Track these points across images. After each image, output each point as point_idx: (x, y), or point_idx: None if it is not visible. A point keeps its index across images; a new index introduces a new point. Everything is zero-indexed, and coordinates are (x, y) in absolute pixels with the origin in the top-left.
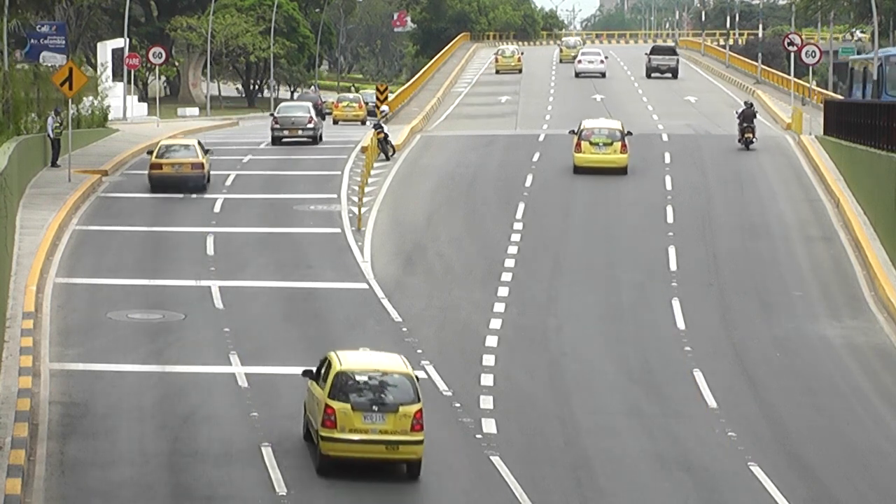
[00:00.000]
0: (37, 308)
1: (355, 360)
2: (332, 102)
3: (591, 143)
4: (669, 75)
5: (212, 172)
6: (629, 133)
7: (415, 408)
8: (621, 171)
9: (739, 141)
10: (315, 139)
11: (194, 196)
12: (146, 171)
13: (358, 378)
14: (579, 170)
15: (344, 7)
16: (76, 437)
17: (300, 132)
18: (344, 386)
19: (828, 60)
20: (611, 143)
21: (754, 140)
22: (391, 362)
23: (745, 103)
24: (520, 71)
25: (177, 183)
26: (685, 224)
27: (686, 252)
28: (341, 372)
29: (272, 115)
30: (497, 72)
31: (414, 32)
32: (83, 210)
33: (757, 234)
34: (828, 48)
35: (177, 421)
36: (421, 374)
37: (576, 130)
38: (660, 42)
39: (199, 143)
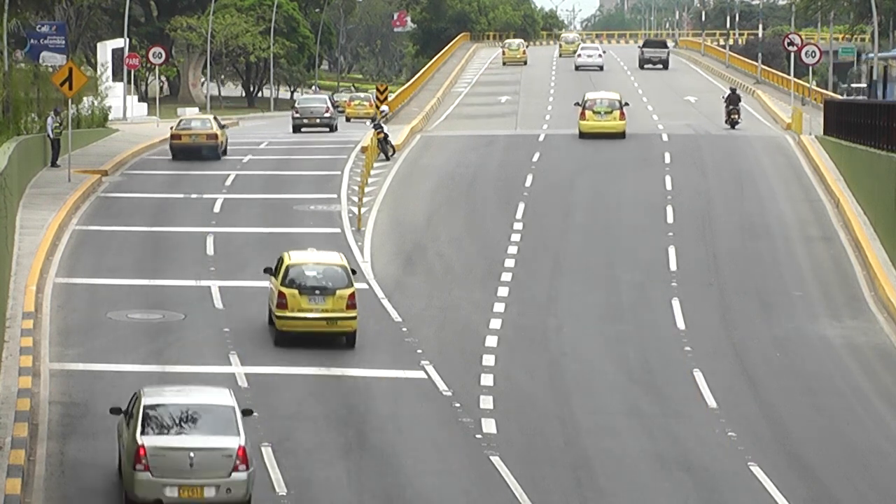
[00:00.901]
0: (37, 308)
1: (302, 257)
2: (346, 101)
3: (594, 112)
4: (661, 66)
5: (208, 172)
6: (626, 104)
7: (349, 291)
8: (620, 135)
9: (726, 122)
10: (331, 127)
11: (194, 196)
12: (168, 143)
13: (304, 269)
14: (584, 135)
15: (344, 7)
16: (76, 437)
17: (318, 121)
18: (293, 276)
19: (828, 60)
20: (611, 112)
21: (739, 121)
22: (330, 257)
23: (730, 88)
24: (525, 63)
25: (193, 150)
26: (685, 224)
27: (686, 252)
28: (290, 265)
29: (293, 106)
30: (504, 63)
31: (414, 32)
32: (83, 210)
33: (757, 234)
34: (828, 48)
35: None
36: (421, 375)
37: (580, 102)
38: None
39: (215, 118)
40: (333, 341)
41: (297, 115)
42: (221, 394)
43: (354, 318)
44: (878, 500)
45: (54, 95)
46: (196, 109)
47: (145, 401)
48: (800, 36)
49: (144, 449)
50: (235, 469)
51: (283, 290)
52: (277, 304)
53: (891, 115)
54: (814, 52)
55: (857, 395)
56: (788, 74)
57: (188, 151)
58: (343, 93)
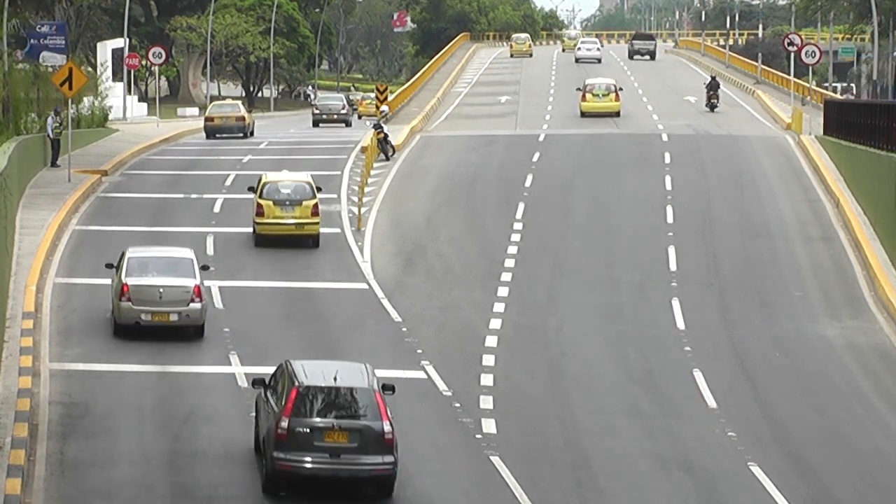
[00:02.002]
0: (37, 308)
1: (276, 176)
2: (358, 100)
3: (592, 95)
4: (648, 57)
5: (208, 172)
6: (621, 88)
7: (313, 202)
8: (615, 114)
9: (706, 105)
10: (347, 123)
11: (194, 196)
12: (202, 124)
13: (277, 185)
14: (585, 115)
15: (344, 7)
16: (76, 437)
17: (335, 117)
18: (268, 190)
19: (828, 60)
20: (608, 94)
21: (717, 105)
22: (299, 176)
23: (711, 76)
24: (531, 55)
25: (225, 129)
26: (685, 224)
27: (686, 252)
28: (266, 182)
29: (313, 103)
30: (511, 55)
31: (414, 32)
32: (83, 210)
33: (757, 234)
34: (828, 48)
35: (177, 421)
36: (421, 375)
37: (581, 87)
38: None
39: (243, 102)
40: (301, 243)
41: (317, 112)
42: (184, 251)
43: (318, 223)
44: (878, 500)
45: (54, 95)
46: (196, 110)
47: (129, 254)
48: (800, 36)
49: (127, 286)
50: (192, 301)
51: (261, 201)
52: (256, 213)
53: (891, 115)
54: (814, 52)
55: (857, 395)
56: (788, 74)
57: (220, 130)
58: (356, 93)
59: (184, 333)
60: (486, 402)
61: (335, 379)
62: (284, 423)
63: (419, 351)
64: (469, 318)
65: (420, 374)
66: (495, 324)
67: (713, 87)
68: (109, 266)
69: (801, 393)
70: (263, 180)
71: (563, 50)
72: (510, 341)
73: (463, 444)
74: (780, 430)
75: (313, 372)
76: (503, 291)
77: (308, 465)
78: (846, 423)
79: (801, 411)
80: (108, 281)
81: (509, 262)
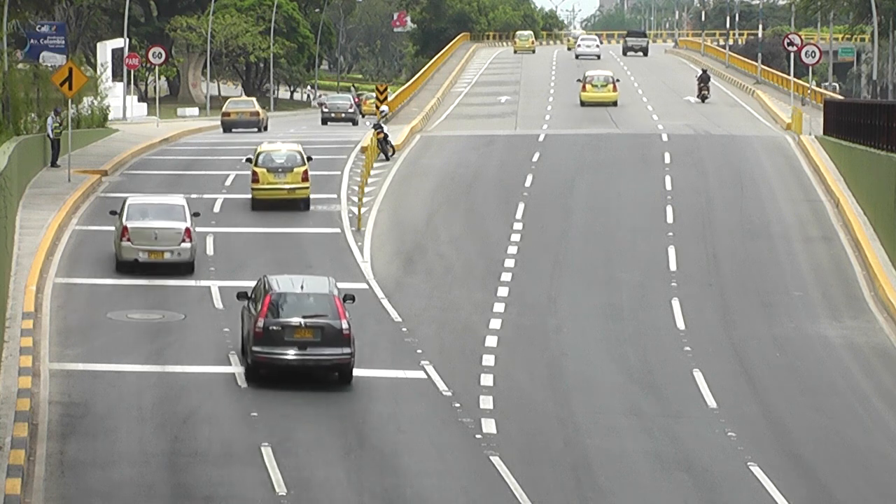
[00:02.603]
0: (37, 308)
1: (270, 146)
2: (364, 99)
3: (592, 85)
4: (641, 53)
5: (208, 172)
6: (618, 80)
7: (303, 168)
8: (613, 104)
9: (697, 96)
10: (354, 121)
11: (194, 196)
12: (219, 118)
13: (271, 154)
14: (585, 104)
15: (344, 7)
16: (76, 437)
17: (343, 115)
18: (263, 159)
19: (828, 60)
20: (606, 85)
21: (708, 96)
22: (291, 146)
23: (702, 69)
24: (533, 52)
25: (241, 124)
26: (685, 224)
27: (686, 252)
28: (261, 152)
29: (321, 103)
30: (515, 52)
31: (414, 32)
32: (83, 210)
33: (757, 234)
34: (828, 48)
35: (177, 421)
36: (421, 375)
37: (581, 79)
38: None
39: (256, 100)
40: (292, 206)
41: (326, 110)
42: (177, 198)
43: (308, 188)
44: (878, 500)
45: (54, 95)
46: (196, 110)
47: (129, 202)
48: (800, 36)
49: (127, 229)
50: (183, 241)
51: (256, 169)
52: (252, 179)
53: (891, 115)
54: (814, 52)
55: (857, 395)
56: (788, 74)
57: (236, 125)
58: (354, 93)
59: (176, 269)
60: (486, 402)
61: (302, 287)
62: (261, 324)
63: (419, 351)
64: (469, 318)
65: (420, 374)
66: (495, 324)
67: (704, 79)
68: (113, 213)
69: (801, 393)
70: (259, 150)
71: (569, 49)
72: (510, 341)
73: (463, 444)
74: (780, 430)
75: (285, 282)
76: (503, 291)
77: (281, 357)
78: (846, 423)
79: (801, 411)
80: (107, 281)
81: (509, 262)
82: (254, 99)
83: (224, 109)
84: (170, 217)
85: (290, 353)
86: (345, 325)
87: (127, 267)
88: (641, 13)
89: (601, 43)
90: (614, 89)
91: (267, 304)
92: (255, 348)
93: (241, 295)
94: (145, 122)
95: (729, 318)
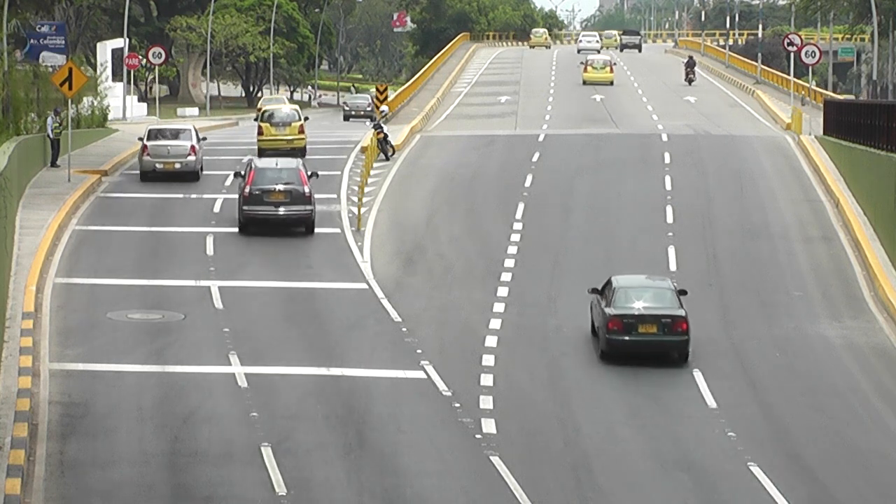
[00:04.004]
0: (37, 308)
1: (272, 105)
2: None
3: (592, 67)
4: (635, 49)
5: (208, 172)
6: (615, 64)
7: (299, 123)
8: (610, 83)
9: (685, 80)
10: (372, 118)
11: (194, 196)
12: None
13: (273, 112)
14: (586, 83)
15: (344, 7)
16: (76, 437)
17: (362, 113)
18: (266, 116)
19: (827, 60)
20: (604, 68)
21: (694, 79)
22: (290, 106)
23: (689, 56)
24: (548, 47)
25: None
26: (685, 224)
27: (686, 252)
28: (264, 111)
29: (345, 102)
30: (531, 47)
31: (414, 32)
32: (83, 210)
33: (757, 234)
34: (828, 48)
35: (177, 421)
36: (420, 375)
37: (584, 62)
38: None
39: (288, 99)
40: (292, 153)
41: (347, 108)
42: (187, 124)
43: (304, 139)
44: (878, 500)
45: (54, 95)
46: (196, 110)
47: (148, 127)
48: (800, 36)
49: (146, 146)
50: (189, 155)
51: (261, 124)
52: (258, 132)
53: (891, 115)
54: (813, 52)
55: (857, 395)
56: (788, 74)
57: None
58: (354, 92)
59: (185, 176)
60: (486, 402)
61: (276, 164)
62: (247, 189)
63: (419, 351)
64: (469, 318)
65: (420, 374)
66: (495, 324)
67: (690, 64)
68: (140, 139)
69: (801, 393)
70: (262, 108)
71: (578, 51)
72: (510, 341)
73: (463, 444)
74: (780, 430)
75: (266, 162)
76: (503, 291)
77: (261, 212)
78: (846, 423)
79: (801, 411)
80: (107, 281)
81: (509, 262)
82: (284, 97)
83: (259, 105)
84: (179, 137)
85: (268, 210)
86: (307, 190)
87: (147, 176)
88: (641, 13)
89: (600, 40)
90: (611, 71)
91: (252, 176)
92: (245, 207)
93: (237, 174)
94: (145, 122)
95: (729, 318)
